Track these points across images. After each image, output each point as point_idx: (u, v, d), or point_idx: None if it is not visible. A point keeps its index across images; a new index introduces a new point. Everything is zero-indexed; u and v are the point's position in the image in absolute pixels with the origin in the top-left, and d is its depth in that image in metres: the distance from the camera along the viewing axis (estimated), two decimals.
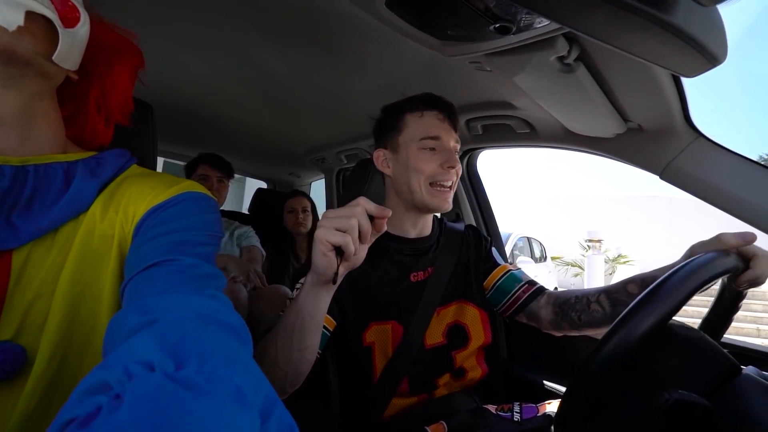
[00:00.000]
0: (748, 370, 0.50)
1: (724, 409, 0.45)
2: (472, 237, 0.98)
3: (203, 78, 1.19)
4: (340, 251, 0.54)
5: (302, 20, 0.83)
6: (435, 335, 0.86)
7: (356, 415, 0.82)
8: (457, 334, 0.89)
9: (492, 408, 0.89)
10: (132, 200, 0.45)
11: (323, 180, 2.28)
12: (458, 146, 0.87)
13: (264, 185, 2.68)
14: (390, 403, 0.80)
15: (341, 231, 0.53)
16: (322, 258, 0.55)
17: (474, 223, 1.44)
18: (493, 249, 0.99)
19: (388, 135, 0.88)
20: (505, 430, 0.81)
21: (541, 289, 0.91)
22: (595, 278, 8.35)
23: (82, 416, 0.23)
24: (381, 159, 0.89)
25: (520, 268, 0.96)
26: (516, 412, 0.86)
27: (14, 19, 0.37)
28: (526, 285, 0.91)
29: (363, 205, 0.55)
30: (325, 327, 0.75)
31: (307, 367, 0.65)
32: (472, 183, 1.48)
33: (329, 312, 0.76)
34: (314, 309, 0.61)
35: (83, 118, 0.51)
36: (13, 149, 0.42)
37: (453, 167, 0.82)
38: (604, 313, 0.77)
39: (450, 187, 0.84)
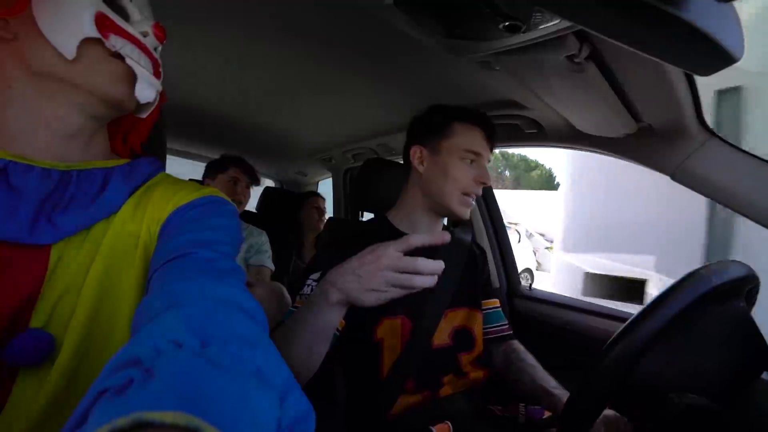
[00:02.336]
0: (766, 375, 0.49)
1: (738, 415, 0.44)
2: (478, 253, 1.03)
3: (212, 77, 1.20)
4: None
5: (311, 20, 0.83)
6: (442, 336, 0.86)
7: (362, 413, 0.82)
8: (464, 338, 0.90)
9: (497, 409, 0.88)
10: (158, 202, 0.48)
11: (329, 179, 2.28)
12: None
13: (270, 183, 2.70)
14: (396, 401, 0.80)
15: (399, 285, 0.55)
16: (371, 304, 0.56)
17: (482, 224, 1.44)
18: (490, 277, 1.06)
19: (431, 136, 0.90)
20: (508, 430, 0.81)
21: (509, 337, 0.98)
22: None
23: (115, 387, 0.24)
24: (417, 156, 0.90)
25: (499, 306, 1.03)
26: (521, 414, 0.86)
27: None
28: (505, 326, 0.99)
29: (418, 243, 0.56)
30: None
31: (317, 367, 0.66)
32: None
33: None
34: (334, 322, 0.62)
35: (121, 128, 0.57)
36: (68, 157, 0.46)
37: (485, 183, 0.87)
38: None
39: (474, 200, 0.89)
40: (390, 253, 0.55)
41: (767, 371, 0.50)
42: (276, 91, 1.28)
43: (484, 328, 0.96)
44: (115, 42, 0.44)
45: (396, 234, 0.88)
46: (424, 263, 0.54)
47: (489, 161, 0.91)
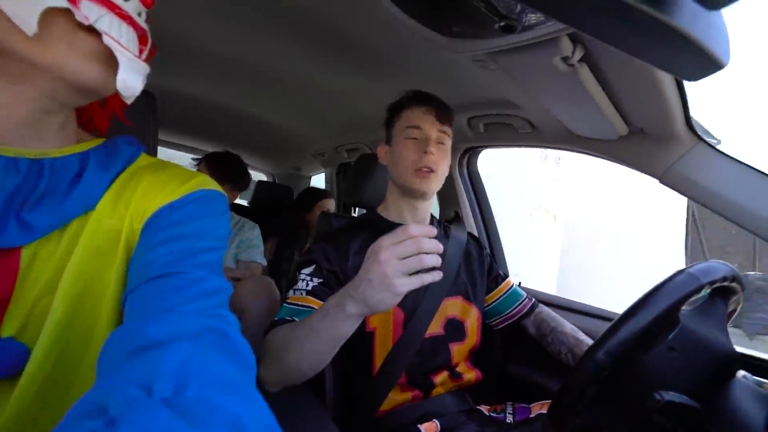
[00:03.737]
0: (740, 374, 0.51)
1: (715, 412, 0.46)
2: (473, 245, 1.04)
3: (206, 68, 1.19)
4: None
5: (306, 15, 0.83)
6: (434, 326, 0.87)
7: (351, 409, 0.82)
8: (455, 328, 0.90)
9: (485, 409, 0.89)
10: (143, 195, 0.43)
11: (323, 174, 2.27)
12: (446, 137, 0.90)
13: (263, 177, 2.68)
14: (387, 397, 0.81)
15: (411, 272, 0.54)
16: (393, 302, 0.55)
17: (472, 220, 1.44)
18: (493, 265, 1.06)
19: (388, 130, 0.95)
20: (496, 430, 0.81)
21: (533, 308, 1.02)
22: None
23: None
24: (382, 153, 0.96)
25: (517, 284, 1.07)
26: (509, 413, 0.87)
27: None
28: (525, 300, 1.02)
29: (416, 232, 0.55)
30: None
31: (320, 369, 0.66)
32: (472, 180, 1.48)
33: None
34: (348, 333, 0.61)
35: (86, 109, 0.50)
36: (35, 144, 0.40)
37: (429, 153, 0.86)
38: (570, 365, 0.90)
39: (433, 171, 0.87)
40: (384, 244, 0.55)
41: (743, 370, 0.52)
42: (270, 85, 1.27)
43: (508, 312, 1.01)
44: (89, 12, 0.34)
45: (387, 224, 0.89)
46: (427, 243, 0.54)
47: (443, 132, 0.89)
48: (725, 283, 0.54)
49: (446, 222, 1.06)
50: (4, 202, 0.36)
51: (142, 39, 0.41)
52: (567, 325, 0.96)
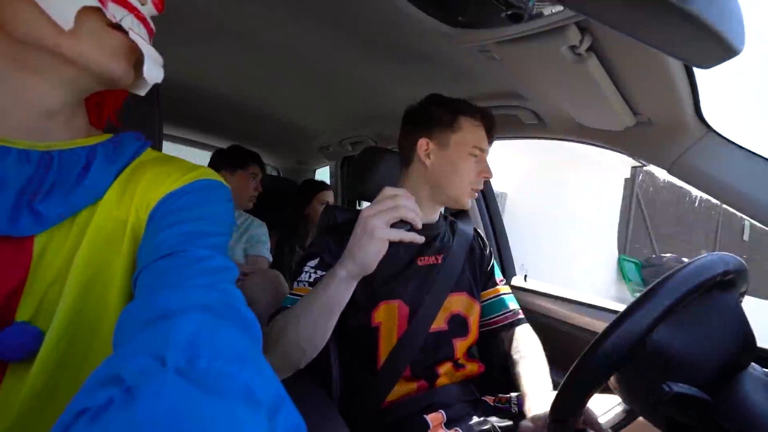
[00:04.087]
0: (751, 367, 0.50)
1: (725, 404, 0.45)
2: (479, 241, 1.04)
3: (211, 62, 1.19)
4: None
5: (312, 7, 0.82)
6: (438, 321, 0.87)
7: (357, 401, 0.83)
8: (459, 324, 0.91)
9: (490, 400, 0.90)
10: (147, 186, 0.45)
11: (327, 168, 2.27)
12: None
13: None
14: (393, 389, 0.81)
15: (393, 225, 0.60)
16: (377, 255, 0.61)
17: (479, 214, 1.44)
18: (495, 266, 1.05)
19: (438, 128, 0.90)
20: (501, 420, 0.82)
21: (516, 323, 0.99)
22: None
23: (94, 407, 0.23)
24: (424, 148, 0.91)
25: (509, 293, 1.04)
26: (513, 404, 0.87)
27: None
28: (510, 313, 0.99)
29: (394, 192, 0.62)
30: None
31: (323, 343, 0.67)
32: None
33: None
34: (345, 297, 0.65)
35: (89, 104, 0.51)
36: (48, 137, 0.42)
37: (488, 177, 0.91)
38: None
39: None
40: (366, 210, 0.62)
41: (755, 363, 0.51)
42: (276, 78, 1.27)
43: (489, 318, 0.98)
44: (115, 11, 0.38)
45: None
46: (404, 199, 0.61)
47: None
48: (731, 276, 0.53)
49: (452, 217, 1.06)
50: (18, 193, 0.38)
51: (150, 37, 0.44)
52: (530, 366, 0.89)
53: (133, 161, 0.47)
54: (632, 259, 6.57)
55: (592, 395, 0.52)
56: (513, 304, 1.01)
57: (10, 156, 0.39)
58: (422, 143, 0.90)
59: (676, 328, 0.50)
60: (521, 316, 1.00)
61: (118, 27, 0.39)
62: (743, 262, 0.55)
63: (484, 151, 0.91)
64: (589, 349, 0.50)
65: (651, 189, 7.48)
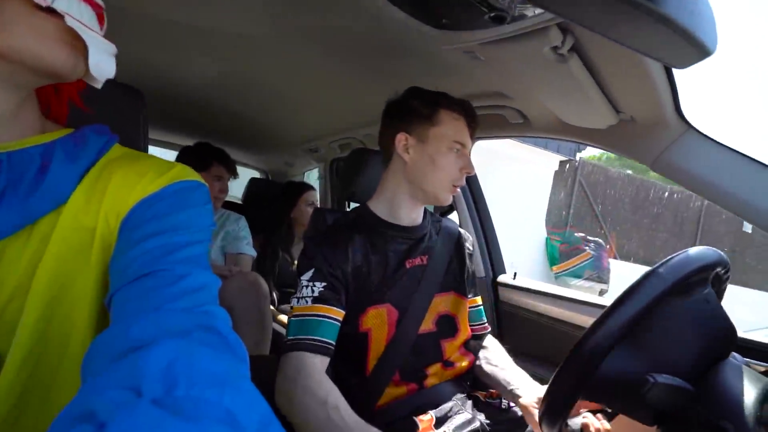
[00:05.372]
0: (732, 356, 0.52)
1: (708, 393, 0.47)
2: (465, 242, 1.01)
3: (197, 65, 1.18)
4: None
5: (297, 10, 0.82)
6: (426, 322, 0.87)
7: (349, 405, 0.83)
8: (447, 324, 0.90)
9: (481, 395, 0.90)
10: (117, 189, 0.40)
11: (315, 170, 2.26)
12: None
13: (256, 174, 2.67)
14: (382, 393, 0.81)
15: None
16: None
17: (467, 211, 1.45)
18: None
19: (417, 122, 0.86)
20: (489, 416, 0.82)
21: (485, 335, 1.01)
22: None
23: None
24: (402, 143, 0.86)
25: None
26: (504, 399, 0.88)
27: None
28: (483, 325, 1.01)
29: None
30: (335, 319, 0.76)
31: None
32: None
33: (338, 304, 0.77)
34: None
35: (41, 97, 0.45)
36: None
37: (470, 173, 0.87)
38: None
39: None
40: None
41: (735, 352, 0.53)
42: (262, 80, 1.26)
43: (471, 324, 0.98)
44: None
45: (377, 222, 0.88)
46: None
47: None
48: (718, 270, 0.55)
49: (441, 215, 1.06)
50: None
51: (99, 18, 0.38)
52: (513, 368, 0.91)
53: (99, 159, 0.42)
54: (556, 241, 6.80)
55: (583, 386, 0.53)
56: (482, 318, 1.02)
57: None
58: (401, 138, 0.86)
59: (659, 322, 0.52)
60: (487, 329, 1.02)
61: (50, 10, 0.33)
62: (723, 254, 0.56)
63: (465, 146, 0.87)
64: (580, 340, 0.51)
65: (601, 179, 7.85)
